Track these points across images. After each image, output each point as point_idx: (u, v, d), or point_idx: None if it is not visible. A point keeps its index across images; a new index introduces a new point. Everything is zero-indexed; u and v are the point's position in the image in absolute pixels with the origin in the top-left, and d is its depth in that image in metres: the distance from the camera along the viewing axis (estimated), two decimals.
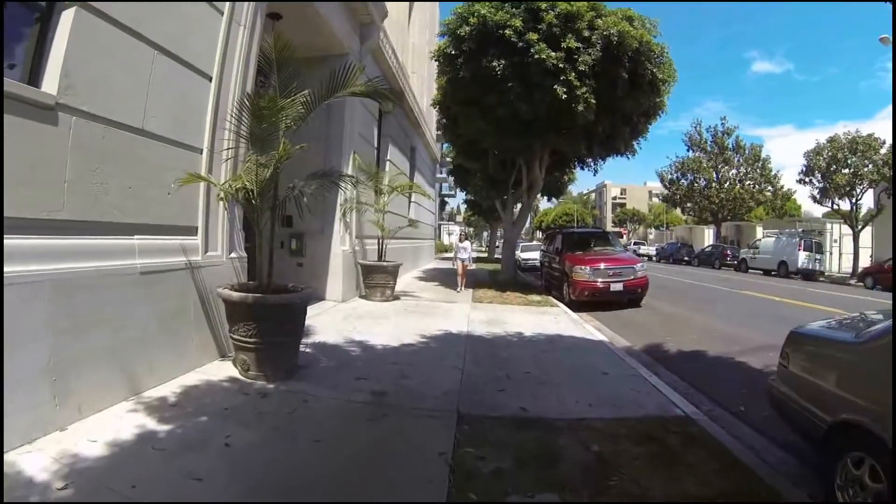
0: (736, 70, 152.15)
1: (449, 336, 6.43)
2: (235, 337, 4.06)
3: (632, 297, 10.55)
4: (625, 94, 10.55)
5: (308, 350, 5.17)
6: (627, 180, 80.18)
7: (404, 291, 10.35)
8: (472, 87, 10.68)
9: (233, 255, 4.93)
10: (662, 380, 4.96)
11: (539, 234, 67.41)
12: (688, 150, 41.45)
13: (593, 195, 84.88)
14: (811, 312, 9.48)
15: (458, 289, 11.22)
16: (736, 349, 6.41)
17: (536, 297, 10.55)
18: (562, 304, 10.04)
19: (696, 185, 40.47)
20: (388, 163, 12.12)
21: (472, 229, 72.88)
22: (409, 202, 15.39)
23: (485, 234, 77.87)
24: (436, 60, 12.60)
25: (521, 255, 21.51)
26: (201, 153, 4.53)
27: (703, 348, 6.60)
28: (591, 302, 10.03)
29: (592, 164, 14.24)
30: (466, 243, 12.09)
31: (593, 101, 9.98)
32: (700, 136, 41.07)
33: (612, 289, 10.15)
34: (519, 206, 15.36)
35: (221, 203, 4.59)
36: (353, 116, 8.90)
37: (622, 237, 46.73)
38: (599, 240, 12.79)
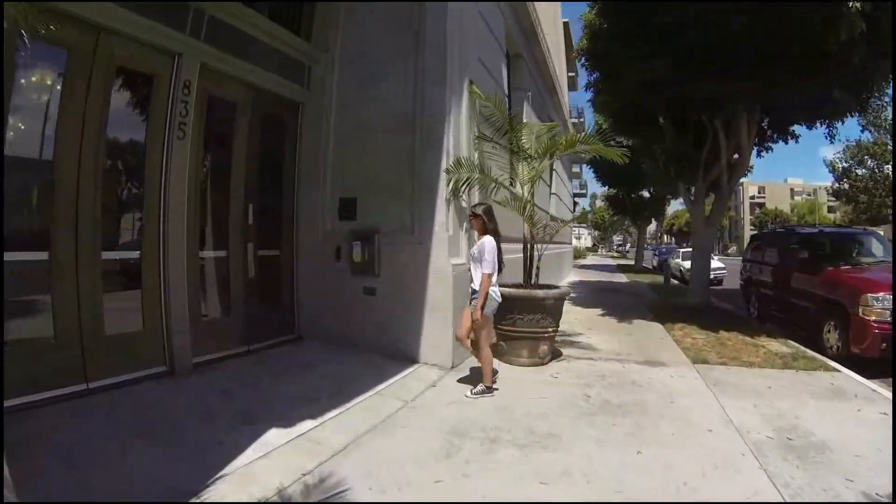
0: None
1: None
2: None
3: None
4: None
5: None
6: (765, 177, 67.48)
7: (564, 335, 5.84)
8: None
9: None
10: None
11: (665, 238, 58.12)
12: (862, 132, 31.77)
13: None
14: None
15: (471, 391, 3.75)
16: None
17: (783, 348, 5.56)
18: (834, 363, 5.02)
19: (877, 173, 30.53)
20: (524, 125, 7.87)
21: (597, 232, 63.85)
22: (550, 192, 10.90)
23: (615, 238, 69.35)
24: None
25: (685, 263, 15.87)
26: None
27: None
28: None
29: (826, 126, 8.38)
30: (486, 243, 3.67)
31: None
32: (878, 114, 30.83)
33: None
34: (713, 195, 9.98)
35: None
36: (461, 27, 4.81)
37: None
38: (860, 245, 7.26)
